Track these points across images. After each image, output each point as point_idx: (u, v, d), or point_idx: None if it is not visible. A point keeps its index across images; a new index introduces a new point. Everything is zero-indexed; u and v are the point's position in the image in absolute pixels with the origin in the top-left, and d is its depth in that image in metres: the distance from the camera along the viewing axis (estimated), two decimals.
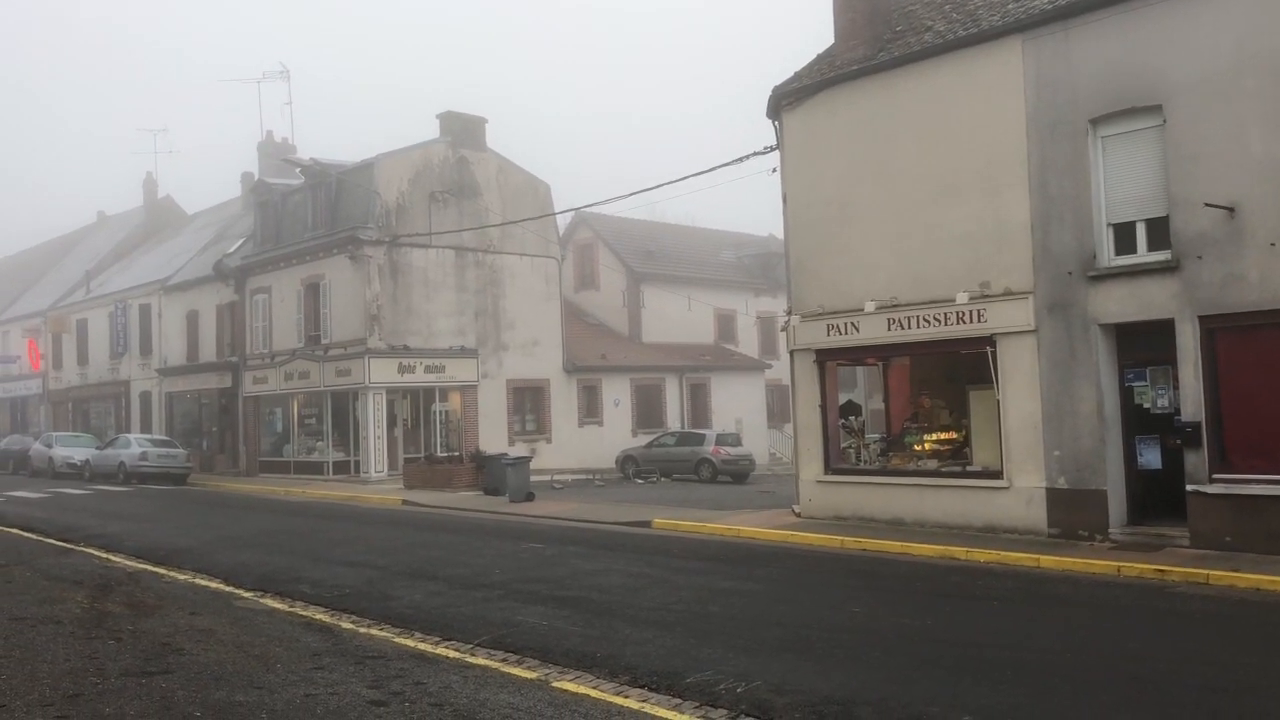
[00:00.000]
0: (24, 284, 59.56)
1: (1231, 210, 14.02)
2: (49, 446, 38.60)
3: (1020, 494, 16.21)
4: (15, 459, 41.00)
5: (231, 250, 40.37)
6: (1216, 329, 14.31)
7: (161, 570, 14.44)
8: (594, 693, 7.92)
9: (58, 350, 50.60)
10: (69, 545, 17.45)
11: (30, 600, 11.78)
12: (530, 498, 24.63)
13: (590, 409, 38.93)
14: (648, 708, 7.54)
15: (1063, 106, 15.78)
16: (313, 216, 35.68)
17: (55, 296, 52.75)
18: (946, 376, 18.77)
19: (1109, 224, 15.50)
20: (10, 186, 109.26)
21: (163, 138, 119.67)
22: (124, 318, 45.43)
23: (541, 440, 36.71)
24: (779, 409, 43.65)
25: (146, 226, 55.13)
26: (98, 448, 36.98)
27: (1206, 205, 14.15)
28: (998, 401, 16.58)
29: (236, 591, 12.65)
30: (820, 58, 19.77)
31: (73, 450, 37.22)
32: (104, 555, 16.04)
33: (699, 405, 42.03)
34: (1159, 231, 14.98)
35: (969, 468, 17.42)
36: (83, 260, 54.70)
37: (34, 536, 18.77)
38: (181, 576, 13.87)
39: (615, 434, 38.48)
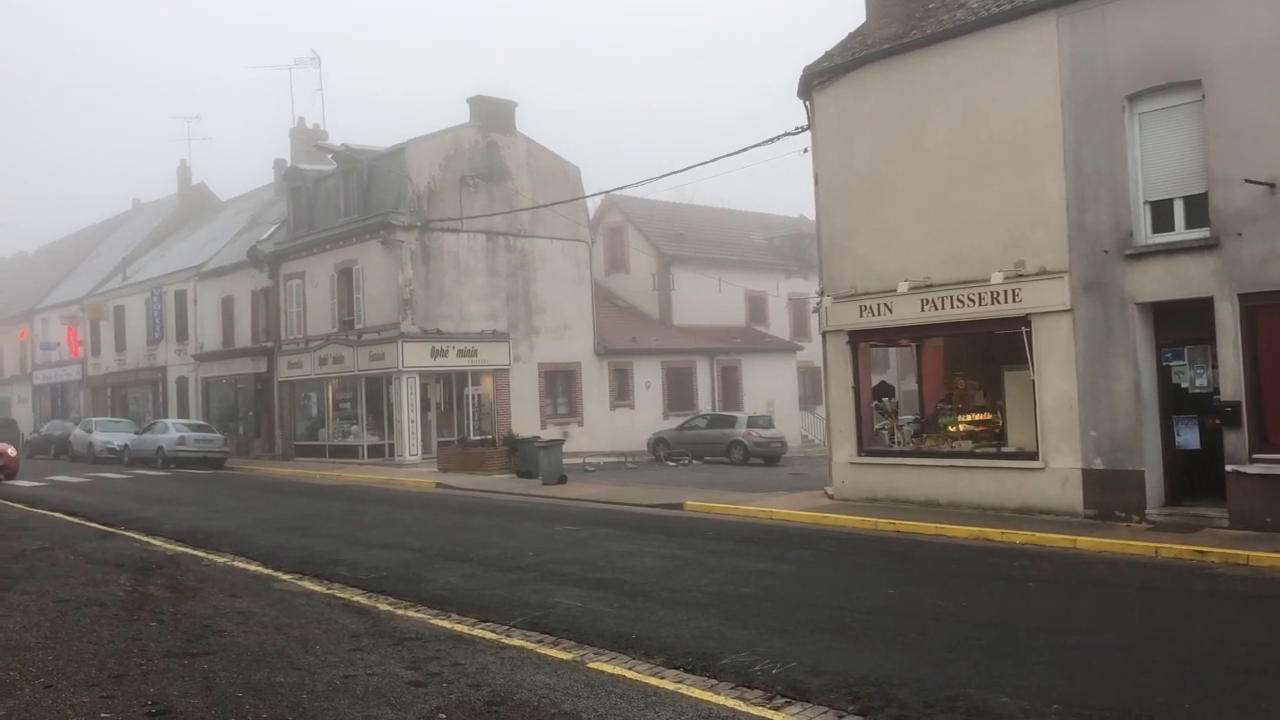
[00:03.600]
0: (62, 272, 60.32)
1: (1272, 186, 13.80)
2: (89, 432, 39.19)
3: (1056, 475, 16.09)
4: (56, 444, 41.69)
5: (265, 236, 40.67)
6: (1257, 307, 14.11)
7: (201, 553, 14.63)
8: (630, 674, 7.96)
9: (96, 337, 51.27)
10: (110, 529, 17.71)
11: (74, 583, 11.98)
12: (563, 480, 24.72)
13: (621, 392, 38.98)
14: (683, 689, 7.57)
15: (1098, 83, 15.56)
16: (345, 202, 35.87)
17: (93, 284, 53.39)
18: (981, 357, 18.64)
19: (1146, 201, 15.30)
20: (48, 175, 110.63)
21: (196, 125, 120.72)
22: (160, 304, 45.94)
23: (573, 423, 36.82)
24: (811, 391, 43.52)
25: (181, 213, 55.65)
26: (136, 433, 37.50)
27: (1246, 181, 13.93)
28: (1033, 382, 16.44)
29: (275, 574, 12.80)
30: (852, 36, 19.61)
31: (112, 435, 37.75)
32: (144, 539, 16.27)
33: (730, 388, 41.98)
34: (1197, 209, 14.78)
35: (1004, 449, 17.30)
36: (119, 248, 55.30)
37: (76, 520, 19.07)
38: (220, 559, 14.05)
39: (646, 417, 38.52)
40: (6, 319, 59.70)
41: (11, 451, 29.75)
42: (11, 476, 28.62)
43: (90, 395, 51.60)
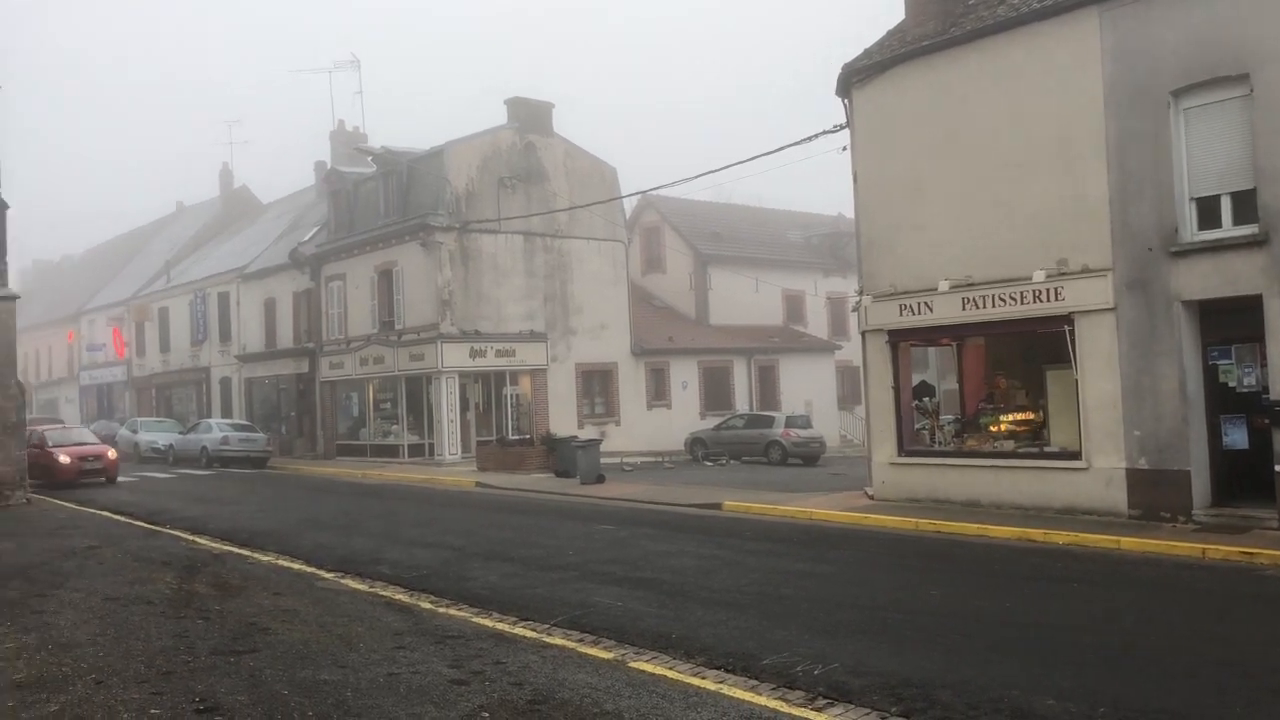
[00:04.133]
0: (108, 274, 61.29)
1: None
2: (134, 432, 39.82)
3: (1099, 475, 15.90)
4: None
5: (306, 238, 41.08)
6: None
7: (245, 552, 14.82)
8: (671, 673, 7.97)
9: (141, 338, 52.03)
10: (156, 528, 17.99)
11: (122, 580, 12.19)
12: (600, 480, 24.78)
13: (658, 392, 38.98)
14: (724, 689, 7.57)
15: (1142, 78, 15.37)
16: (385, 204, 36.16)
17: (137, 286, 54.19)
18: (1023, 356, 18.46)
19: (1192, 198, 15.08)
20: (95, 179, 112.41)
21: (237, 129, 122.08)
22: (203, 306, 46.55)
23: (610, 423, 36.87)
24: (849, 391, 43.28)
25: (224, 216, 56.39)
26: (180, 433, 38.04)
27: None
28: (1076, 381, 16.27)
29: (318, 572, 12.93)
30: (890, 34, 19.50)
31: (157, 435, 38.33)
32: (190, 537, 16.51)
33: (768, 387, 41.84)
34: (1245, 205, 14.54)
35: (1046, 449, 17.13)
36: (163, 250, 56.10)
37: (123, 519, 19.39)
38: (264, 558, 14.22)
39: (683, 416, 38.47)
40: (54, 321, 60.74)
41: (111, 454, 28.84)
42: (112, 480, 27.92)
43: (135, 395, 52.38)
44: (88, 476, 27.52)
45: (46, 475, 26.95)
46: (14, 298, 23.20)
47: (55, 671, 7.99)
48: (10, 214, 23.08)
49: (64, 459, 27.22)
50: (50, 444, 28.03)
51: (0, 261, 22.54)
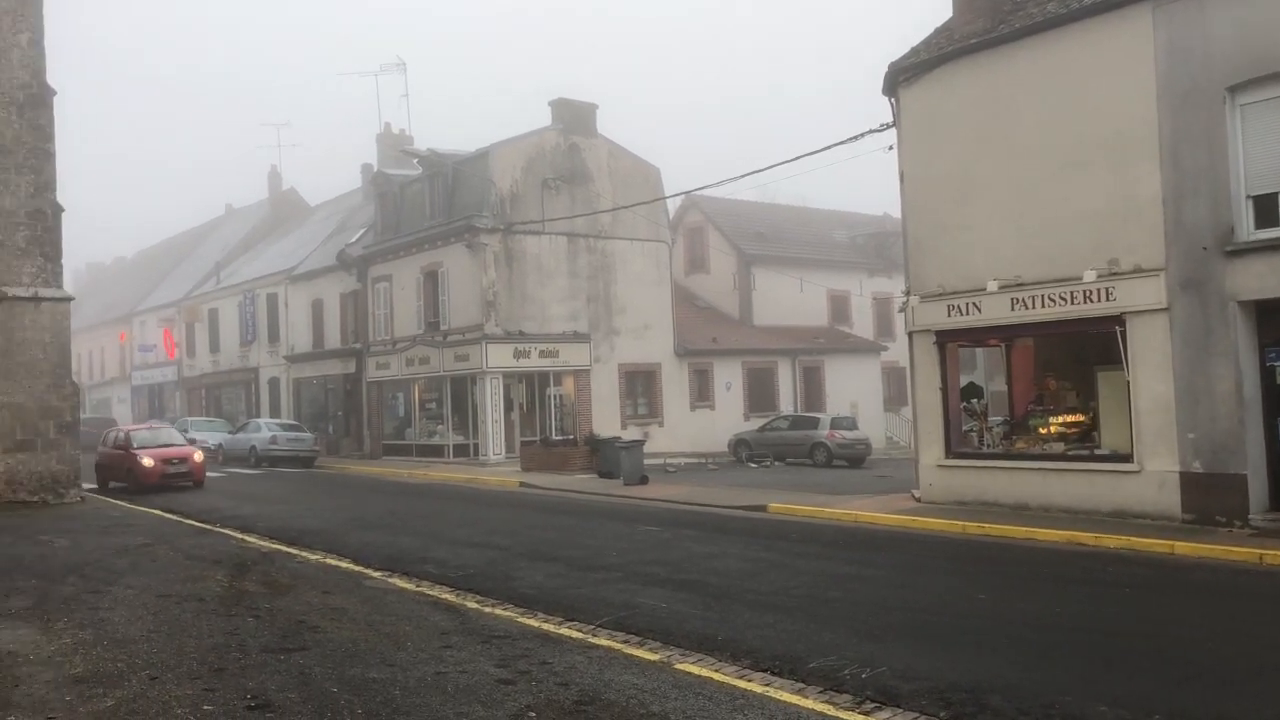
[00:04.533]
0: (159, 276, 62.32)
1: None
2: (184, 431, 40.24)
3: (1152, 478, 15.64)
4: None
5: (353, 240, 41.50)
6: None
7: (294, 550, 14.98)
8: (717, 676, 7.94)
9: (191, 339, 52.84)
10: (206, 526, 18.24)
11: (174, 578, 12.37)
12: (644, 481, 24.78)
13: (702, 393, 38.91)
14: (771, 691, 7.53)
15: (1197, 75, 15.10)
16: (430, 206, 36.44)
17: (188, 287, 55.04)
18: (1073, 357, 18.21)
19: (1248, 196, 14.78)
20: (147, 182, 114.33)
21: (285, 132, 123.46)
22: (252, 307, 47.17)
23: (653, 424, 36.86)
24: (895, 392, 42.95)
25: (272, 218, 57.12)
26: (230, 432, 38.58)
27: None
28: (1127, 383, 16.01)
29: (365, 571, 13.04)
30: (938, 31, 19.32)
31: (206, 435, 38.85)
32: (239, 536, 16.72)
33: (812, 388, 41.62)
34: None
35: (1097, 451, 16.89)
36: (213, 252, 56.94)
37: (174, 517, 19.68)
38: (313, 556, 14.37)
39: (727, 418, 38.38)
40: (107, 322, 61.88)
41: (198, 456, 27.07)
42: (199, 484, 26.35)
43: (185, 395, 53.21)
44: (173, 480, 25.98)
45: (130, 479, 26.07)
46: (68, 299, 23.64)
47: (111, 667, 8.13)
48: (63, 216, 23.52)
49: (148, 462, 25.82)
50: (135, 445, 26.86)
51: (54, 264, 22.99)
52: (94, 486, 26.47)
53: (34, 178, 22.58)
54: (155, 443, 27.52)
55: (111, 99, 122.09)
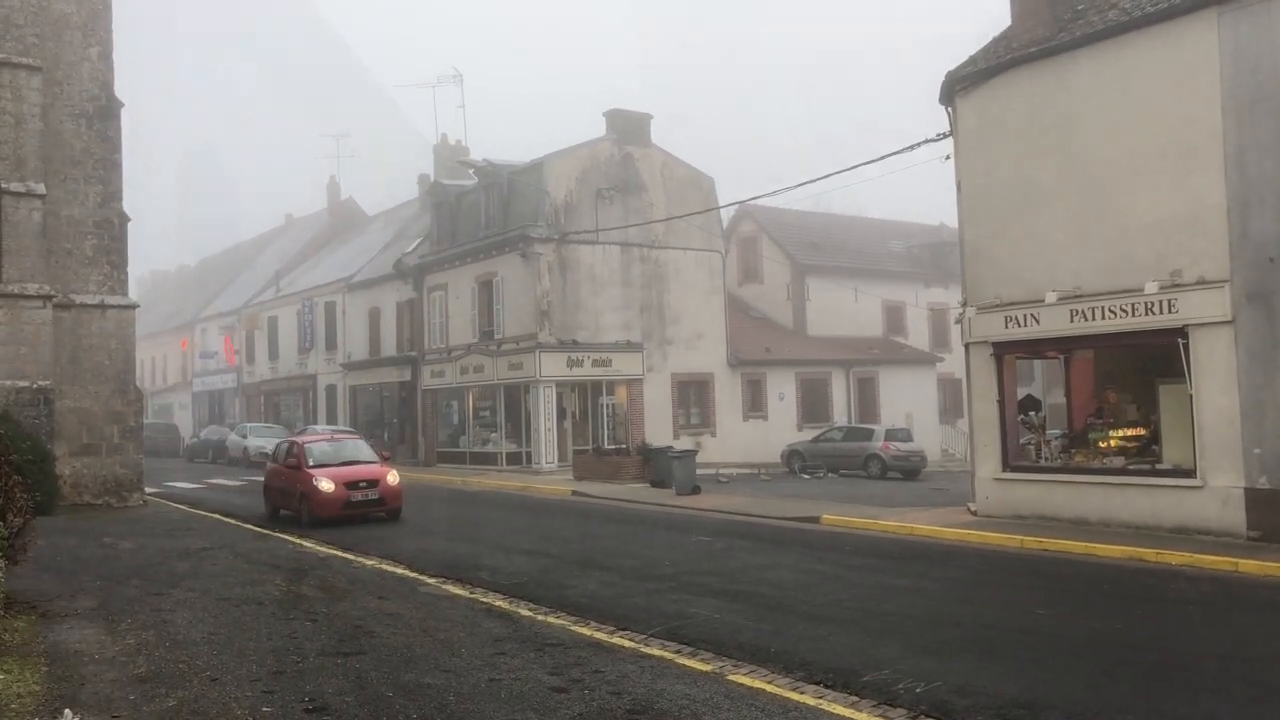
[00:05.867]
0: (220, 284, 63.50)
1: None
2: (243, 437, 41.10)
3: (1215, 494, 15.30)
4: (213, 448, 43.82)
5: (410, 249, 41.98)
6: None
7: (350, 556, 15.17)
8: (769, 687, 7.90)
9: (250, 346, 53.74)
10: (265, 531, 18.53)
11: (234, 582, 12.59)
12: (696, 490, 24.73)
13: (754, 403, 38.77)
14: (824, 704, 7.48)
15: (1264, 82, 14.78)
16: (486, 216, 36.76)
17: (248, 295, 56.00)
18: (1134, 370, 17.88)
19: None
20: (210, 194, 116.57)
21: (344, 143, 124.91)
22: (310, 315, 47.87)
23: (706, 434, 36.78)
24: (951, 404, 42.43)
25: (330, 228, 57.96)
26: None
27: None
28: (1190, 396, 15.69)
29: (420, 577, 13.17)
30: (996, 40, 19.13)
31: (265, 440, 39.37)
32: (296, 541, 16.96)
33: (866, 399, 41.28)
34: None
35: (1159, 466, 16.55)
36: (272, 261, 57.90)
37: (233, 522, 20.01)
38: (369, 562, 14.53)
39: (780, 428, 38.17)
40: (169, 329, 63.16)
41: (391, 478, 20.24)
42: (394, 516, 20.04)
43: (245, 401, 54.10)
44: (359, 510, 19.55)
45: (302, 507, 19.68)
46: (133, 306, 24.18)
47: (172, 668, 8.29)
48: (129, 226, 24.06)
49: (326, 485, 19.37)
50: (311, 462, 20.29)
51: (120, 272, 23.52)
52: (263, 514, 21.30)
53: (101, 188, 23.15)
54: (338, 458, 20.89)
55: (179, 111, 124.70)
